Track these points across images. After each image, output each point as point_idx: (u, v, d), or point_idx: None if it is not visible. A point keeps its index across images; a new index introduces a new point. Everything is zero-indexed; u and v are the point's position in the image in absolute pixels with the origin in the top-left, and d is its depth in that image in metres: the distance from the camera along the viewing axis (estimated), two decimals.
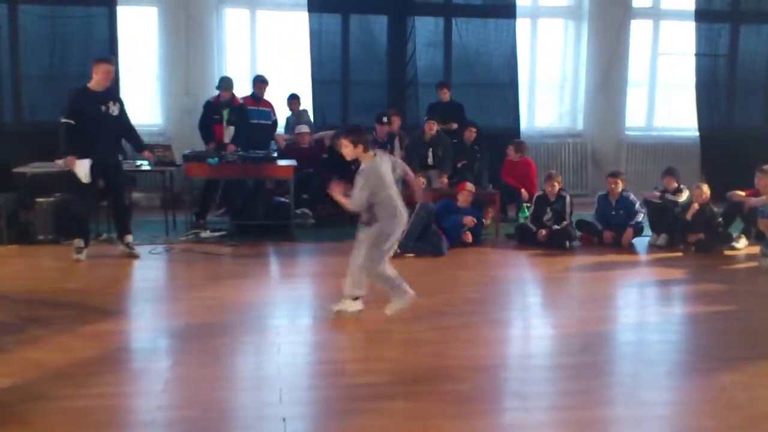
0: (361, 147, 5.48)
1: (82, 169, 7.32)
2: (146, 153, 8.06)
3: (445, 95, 10.45)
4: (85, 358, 4.78)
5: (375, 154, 5.57)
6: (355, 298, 5.72)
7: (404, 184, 6.21)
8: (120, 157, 7.77)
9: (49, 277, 6.91)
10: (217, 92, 9.53)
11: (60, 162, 8.25)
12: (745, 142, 11.57)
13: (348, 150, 5.52)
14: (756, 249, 8.11)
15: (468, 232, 8.38)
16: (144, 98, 11.00)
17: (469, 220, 8.36)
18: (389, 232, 5.51)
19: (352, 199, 5.48)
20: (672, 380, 4.78)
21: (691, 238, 8.31)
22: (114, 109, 7.46)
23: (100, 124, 7.33)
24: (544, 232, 8.47)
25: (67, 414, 3.95)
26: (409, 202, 6.95)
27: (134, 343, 5.32)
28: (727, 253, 8.32)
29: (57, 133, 7.61)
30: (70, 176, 7.42)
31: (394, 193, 5.57)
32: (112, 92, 7.68)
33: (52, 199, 8.23)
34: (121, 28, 10.51)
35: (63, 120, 7.31)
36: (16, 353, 4.84)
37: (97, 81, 7.36)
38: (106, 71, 7.38)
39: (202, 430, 3.82)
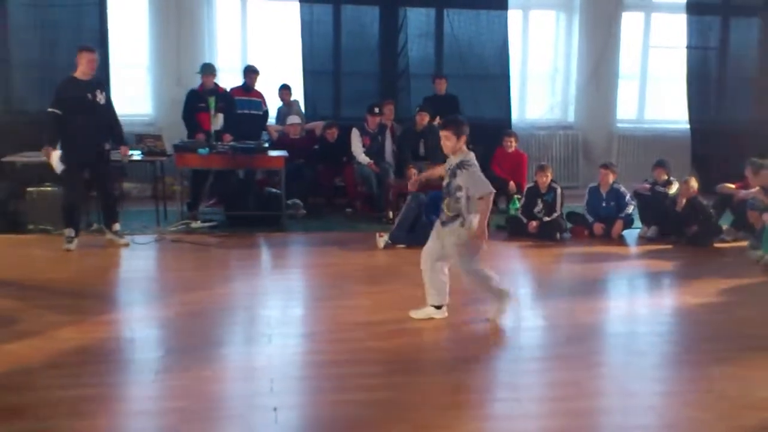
0: (464, 139, 5.19)
1: (55, 159, 7.30)
2: (124, 149, 7.84)
3: (442, 87, 10.44)
4: (76, 348, 4.77)
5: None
6: (439, 307, 5.48)
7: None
8: (107, 146, 7.69)
9: (39, 267, 6.88)
10: (199, 82, 9.47)
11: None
12: (735, 135, 11.59)
13: (450, 142, 5.17)
14: (745, 241, 8.17)
15: None
16: (134, 88, 10.95)
17: None
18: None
19: (483, 186, 5.14)
20: (661, 371, 4.81)
21: (688, 231, 8.31)
22: (101, 98, 7.43)
23: (87, 112, 7.29)
24: (534, 224, 8.49)
25: (59, 404, 3.95)
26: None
27: (125, 333, 5.30)
28: (717, 245, 8.36)
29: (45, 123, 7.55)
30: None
31: None
32: (99, 81, 7.62)
33: (42, 188, 8.21)
34: (111, 17, 10.43)
35: (49, 109, 7.25)
36: (6, 343, 4.82)
37: (82, 70, 7.33)
38: (89, 60, 7.32)
39: (192, 419, 3.82)
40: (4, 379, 4.26)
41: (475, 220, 5.12)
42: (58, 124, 7.24)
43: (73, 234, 7.46)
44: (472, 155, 5.27)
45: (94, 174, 7.65)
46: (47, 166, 7.47)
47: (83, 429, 3.69)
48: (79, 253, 7.37)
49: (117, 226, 7.76)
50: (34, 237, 7.94)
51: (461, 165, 5.18)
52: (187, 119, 9.45)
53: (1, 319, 5.32)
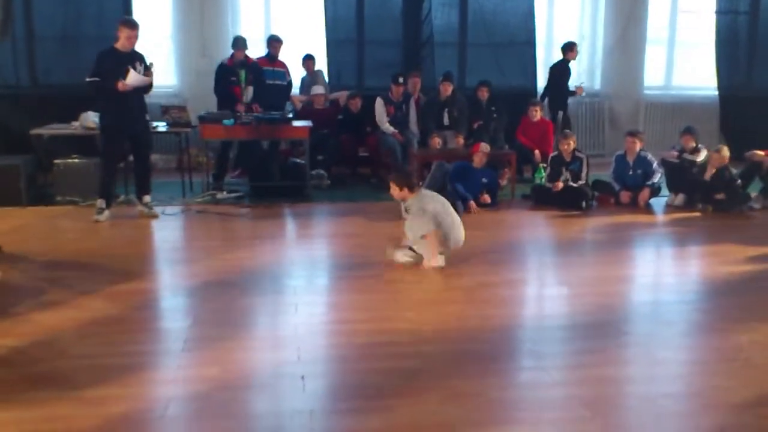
0: (406, 189, 6.08)
1: (133, 77, 7.28)
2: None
3: (573, 56, 10.50)
4: (106, 318, 4.84)
5: (419, 192, 6.19)
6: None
7: None
8: (147, 117, 7.74)
9: (69, 238, 6.97)
10: (228, 54, 9.44)
11: (76, 124, 8.32)
12: (765, 102, 11.42)
13: (395, 192, 6.13)
14: None
15: (486, 194, 8.35)
16: (159, 59, 10.91)
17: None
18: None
19: (420, 229, 5.93)
20: (688, 340, 4.79)
21: (716, 197, 8.21)
22: (139, 70, 7.44)
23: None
24: (560, 184, 8.43)
25: (91, 372, 4.01)
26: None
27: (154, 303, 5.37)
28: (745, 213, 8.27)
29: (73, 95, 7.57)
30: (94, 139, 7.45)
31: (449, 221, 6.02)
32: (138, 54, 7.59)
33: (69, 160, 8.28)
34: None
35: (88, 79, 7.26)
36: (38, 314, 4.90)
37: (122, 43, 7.35)
38: (129, 36, 7.34)
39: (222, 387, 3.87)
40: (35, 349, 4.34)
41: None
42: (102, 91, 7.27)
43: (104, 205, 7.53)
44: (420, 196, 6.12)
45: (135, 145, 7.69)
46: (88, 138, 7.48)
47: (113, 397, 3.74)
48: (107, 224, 7.45)
49: (148, 198, 7.82)
50: (63, 209, 8.03)
51: (408, 207, 6.10)
52: (221, 93, 9.40)
53: (31, 290, 5.42)
